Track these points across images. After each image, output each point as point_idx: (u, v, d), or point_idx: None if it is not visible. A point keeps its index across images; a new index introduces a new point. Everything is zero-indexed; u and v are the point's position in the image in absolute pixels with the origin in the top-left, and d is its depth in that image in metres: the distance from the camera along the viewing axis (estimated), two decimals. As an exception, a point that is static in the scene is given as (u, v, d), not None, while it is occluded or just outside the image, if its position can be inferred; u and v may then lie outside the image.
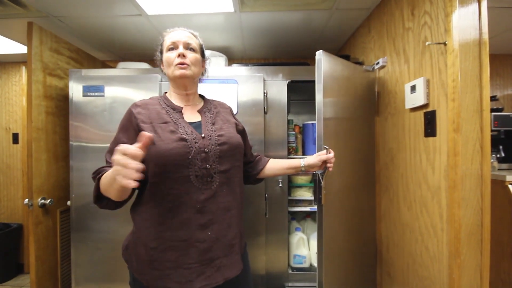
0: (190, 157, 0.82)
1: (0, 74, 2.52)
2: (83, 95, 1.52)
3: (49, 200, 1.54)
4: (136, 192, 0.89)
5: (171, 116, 0.89)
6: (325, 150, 1.09)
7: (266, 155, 1.53)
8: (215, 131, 0.91)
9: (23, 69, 2.47)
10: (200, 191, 0.83)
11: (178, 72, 0.89)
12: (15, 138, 2.49)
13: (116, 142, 0.87)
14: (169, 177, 0.81)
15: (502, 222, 1.57)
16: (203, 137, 0.87)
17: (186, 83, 0.93)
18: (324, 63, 1.23)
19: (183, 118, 0.91)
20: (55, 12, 1.62)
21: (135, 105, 0.92)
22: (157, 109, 0.91)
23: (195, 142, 0.84)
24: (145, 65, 1.82)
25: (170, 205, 0.82)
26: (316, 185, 1.18)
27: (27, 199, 1.47)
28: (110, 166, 0.75)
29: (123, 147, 0.61)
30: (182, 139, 0.83)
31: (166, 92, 1.01)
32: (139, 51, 2.29)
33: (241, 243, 0.95)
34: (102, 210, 1.50)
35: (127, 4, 1.53)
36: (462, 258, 0.97)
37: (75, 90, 1.53)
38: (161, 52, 0.96)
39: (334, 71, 1.29)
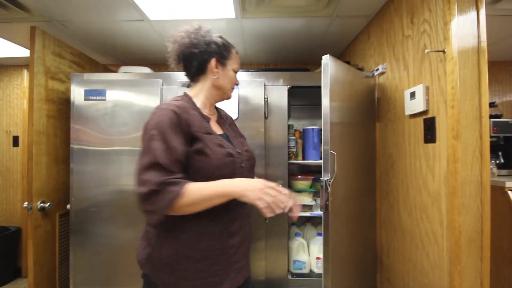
0: (235, 172, 0.86)
1: (2, 77, 2.53)
2: (85, 99, 1.53)
3: (48, 204, 1.54)
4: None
5: (207, 126, 0.88)
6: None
7: (266, 160, 1.54)
8: (242, 146, 0.96)
9: (25, 72, 2.48)
10: (238, 203, 0.83)
11: (231, 94, 1.00)
12: (15, 141, 2.49)
13: (168, 146, 0.76)
14: None
15: (502, 228, 1.57)
16: (239, 153, 0.91)
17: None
18: (331, 68, 1.22)
19: (212, 129, 0.90)
20: (58, 16, 1.64)
21: (178, 107, 0.82)
22: (196, 115, 0.86)
23: (237, 157, 0.88)
24: (146, 70, 1.83)
25: (211, 216, 0.82)
26: (322, 191, 1.17)
27: (26, 203, 1.46)
28: (177, 178, 0.74)
29: (281, 191, 0.76)
30: (230, 155, 0.85)
31: (186, 93, 0.95)
32: (141, 56, 2.31)
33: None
34: (101, 215, 1.51)
35: (129, 10, 1.55)
36: (463, 265, 0.96)
37: (77, 93, 1.54)
38: (223, 57, 0.93)
39: (339, 75, 1.29)
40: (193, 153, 0.81)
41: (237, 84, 1.00)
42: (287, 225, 1.57)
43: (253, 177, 0.95)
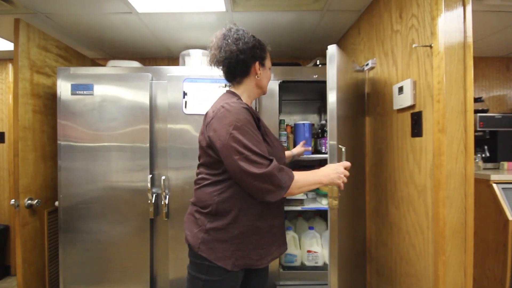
0: (285, 161, 1.04)
1: (-14, 72, 2.45)
2: (72, 94, 1.50)
3: (36, 201, 1.51)
4: (227, 185, 0.93)
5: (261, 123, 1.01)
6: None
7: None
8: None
9: (10, 66, 2.41)
10: None
11: (267, 90, 1.11)
12: (1, 137, 2.43)
13: (257, 139, 0.89)
14: None
15: (487, 220, 1.61)
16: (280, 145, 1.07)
17: None
18: (338, 59, 1.15)
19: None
20: (42, 8, 1.59)
21: (247, 105, 0.94)
22: (256, 113, 0.97)
23: (283, 151, 1.06)
24: (135, 64, 1.80)
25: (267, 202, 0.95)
26: (331, 188, 1.10)
27: (13, 200, 1.44)
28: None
29: (347, 165, 0.99)
30: (283, 148, 1.05)
31: (236, 94, 1.02)
32: (129, 50, 2.26)
33: None
34: (91, 211, 1.50)
35: (116, 2, 1.51)
36: (447, 255, 0.99)
37: (63, 88, 1.50)
38: (263, 59, 1.04)
39: (342, 67, 1.23)
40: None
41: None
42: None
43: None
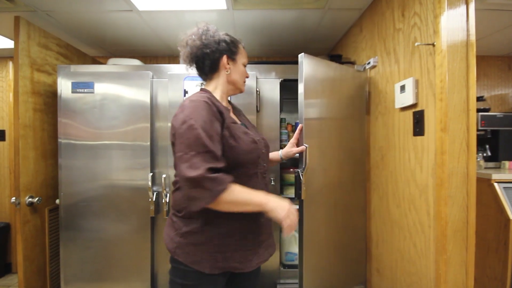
0: (259, 157, 0.95)
1: (-14, 69, 2.44)
2: (72, 92, 1.49)
3: (37, 199, 1.51)
4: None
5: (230, 116, 0.95)
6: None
7: (258, 153, 1.54)
8: (259, 135, 1.03)
9: (10, 64, 2.40)
10: (261, 186, 0.96)
11: (244, 88, 1.06)
12: (2, 135, 2.43)
13: (210, 136, 0.82)
14: (245, 173, 0.91)
15: (488, 219, 1.61)
16: (258, 140, 0.98)
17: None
18: (306, 65, 1.26)
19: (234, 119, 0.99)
20: (43, 6, 1.58)
21: (208, 98, 0.88)
22: (220, 107, 0.92)
23: (259, 144, 0.96)
24: (136, 62, 1.79)
25: None
26: (296, 181, 1.23)
27: (14, 198, 1.44)
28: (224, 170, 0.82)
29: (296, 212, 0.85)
30: (255, 141, 0.94)
31: (205, 89, 0.99)
32: (130, 47, 2.26)
33: None
34: (91, 209, 1.50)
35: (117, 0, 1.51)
36: (448, 254, 0.99)
37: (64, 86, 1.50)
38: (232, 53, 1.00)
39: (317, 72, 1.33)
40: (225, 140, 0.87)
41: (247, 77, 1.06)
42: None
43: (269, 163, 1.06)
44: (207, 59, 0.96)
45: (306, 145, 1.19)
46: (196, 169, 0.77)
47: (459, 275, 0.99)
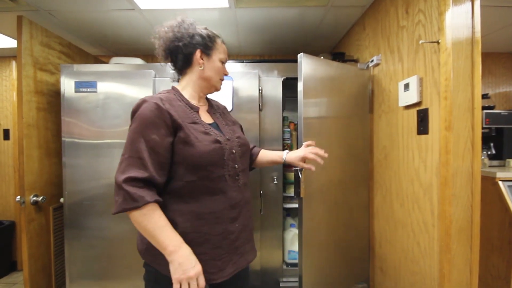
0: (225, 158, 0.87)
1: (-10, 69, 2.46)
2: (75, 91, 1.50)
3: (41, 197, 1.52)
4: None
5: (194, 116, 0.89)
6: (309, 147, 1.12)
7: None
8: (233, 133, 0.96)
9: (13, 63, 2.42)
10: (232, 189, 0.89)
11: (220, 86, 0.98)
12: (6, 134, 2.44)
13: (146, 142, 0.78)
14: (207, 176, 0.84)
15: (492, 218, 1.60)
16: (228, 139, 0.91)
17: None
18: (305, 65, 1.26)
19: (201, 118, 0.91)
20: (45, 5, 1.58)
21: (160, 99, 0.83)
22: (181, 106, 0.88)
23: (226, 144, 0.89)
24: (139, 61, 1.79)
25: (208, 201, 0.85)
26: (295, 179, 1.23)
27: (18, 196, 1.45)
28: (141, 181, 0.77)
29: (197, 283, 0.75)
30: (217, 141, 0.86)
31: (174, 86, 0.96)
32: (133, 46, 2.26)
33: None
34: (95, 208, 1.51)
35: (119, -2, 1.51)
36: (453, 253, 0.99)
37: (67, 85, 1.51)
38: (207, 48, 0.93)
39: (316, 72, 1.32)
40: (178, 143, 0.81)
41: (226, 75, 1.00)
42: (281, 217, 1.59)
43: (246, 164, 0.98)
44: (180, 53, 0.91)
45: (304, 142, 1.18)
46: (121, 173, 0.76)
47: (463, 275, 0.99)
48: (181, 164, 0.82)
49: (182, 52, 0.91)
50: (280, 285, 1.56)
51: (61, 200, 1.54)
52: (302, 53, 1.26)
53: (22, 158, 1.46)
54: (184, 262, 0.75)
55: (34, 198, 1.50)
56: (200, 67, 0.92)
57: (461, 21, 0.99)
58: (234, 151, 0.91)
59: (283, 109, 1.61)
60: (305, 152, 1.07)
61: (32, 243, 1.50)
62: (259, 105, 1.53)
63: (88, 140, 1.51)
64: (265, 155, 1.17)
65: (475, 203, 0.99)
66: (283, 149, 1.61)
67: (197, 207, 0.83)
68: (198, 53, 0.91)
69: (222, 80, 0.98)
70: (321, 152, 1.06)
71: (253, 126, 1.53)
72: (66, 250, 1.52)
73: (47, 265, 1.61)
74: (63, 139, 1.51)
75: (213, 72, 0.94)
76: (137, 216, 0.75)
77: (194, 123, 0.86)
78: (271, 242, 1.57)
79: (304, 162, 1.08)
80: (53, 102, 1.65)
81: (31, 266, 1.49)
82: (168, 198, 0.84)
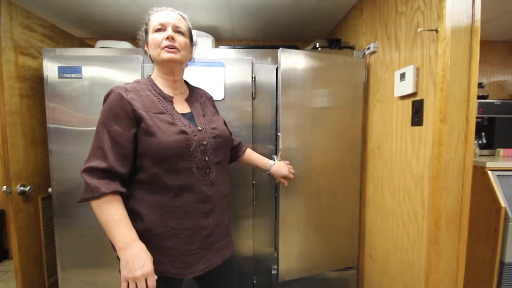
0: (191, 149, 0.83)
1: (-31, 51, 2.32)
2: (59, 77, 1.43)
3: (28, 187, 1.49)
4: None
5: (164, 105, 0.86)
6: (286, 165, 1.27)
7: (254, 141, 1.52)
8: (208, 124, 0.92)
9: (-6, 46, 2.29)
10: (201, 182, 0.86)
11: (167, 55, 0.85)
12: (-10, 120, 2.35)
13: (108, 133, 0.77)
14: (172, 168, 0.81)
15: (480, 206, 1.64)
16: (200, 130, 0.88)
17: (174, 68, 0.90)
18: (283, 60, 1.33)
19: (174, 108, 0.88)
20: (23, -17, 1.48)
21: (125, 89, 0.81)
22: (150, 96, 0.85)
23: (194, 135, 0.85)
24: (126, 44, 1.71)
25: (174, 194, 0.82)
26: (275, 187, 1.36)
27: (5, 187, 1.41)
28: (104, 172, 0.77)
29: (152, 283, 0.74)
30: (183, 132, 0.83)
31: (150, 75, 0.94)
32: (120, 29, 2.15)
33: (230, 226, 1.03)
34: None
35: (104, -23, 1.41)
36: (441, 244, 1.00)
37: (50, 70, 1.43)
38: (146, 32, 0.90)
39: (298, 65, 1.37)
40: (141, 134, 0.80)
41: (167, 39, 0.85)
42: (274, 205, 1.59)
43: (222, 156, 0.95)
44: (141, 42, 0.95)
45: (280, 134, 1.30)
46: (85, 163, 0.77)
47: (450, 265, 1.01)
48: (146, 156, 0.80)
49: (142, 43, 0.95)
50: (272, 272, 1.59)
51: (49, 190, 1.51)
52: (280, 48, 1.31)
53: (6, 147, 1.41)
54: (131, 260, 0.73)
55: (21, 188, 1.46)
56: (147, 53, 0.93)
57: (461, 9, 0.96)
58: (205, 142, 0.87)
59: (277, 98, 1.57)
60: (287, 172, 1.24)
61: (22, 233, 1.48)
62: (252, 93, 1.49)
63: (74, 127, 1.45)
64: (252, 157, 1.22)
65: (465, 195, 1.00)
66: (276, 139, 1.58)
67: (164, 200, 0.82)
68: (144, 44, 0.94)
69: (164, 49, 0.85)
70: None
71: (246, 114, 1.49)
72: (57, 240, 1.51)
73: (38, 255, 1.60)
74: (48, 125, 1.45)
75: (153, 49, 0.87)
76: (94, 207, 0.75)
77: (161, 113, 0.83)
78: (264, 229, 1.58)
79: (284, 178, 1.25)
80: (36, 88, 1.58)
81: (21, 256, 1.48)
82: (135, 188, 0.83)
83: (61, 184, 1.48)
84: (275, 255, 1.62)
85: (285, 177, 1.24)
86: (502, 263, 1.52)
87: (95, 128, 1.42)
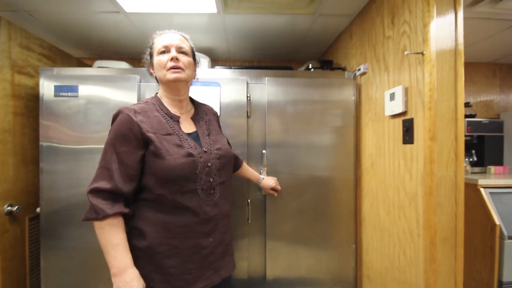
0: (197, 172, 0.85)
1: (-35, 70, 2.33)
2: (55, 95, 1.43)
3: (16, 207, 1.44)
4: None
5: (171, 126, 0.88)
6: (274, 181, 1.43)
7: (249, 159, 1.52)
8: (212, 144, 0.94)
9: (-9, 64, 2.31)
10: (205, 203, 0.87)
11: (172, 76, 0.88)
12: (-19, 138, 2.32)
13: (116, 154, 0.79)
14: (178, 190, 0.83)
15: (474, 224, 1.64)
16: (205, 152, 0.90)
17: (180, 87, 0.93)
18: (269, 87, 1.51)
19: (181, 128, 0.90)
20: (25, 6, 1.52)
21: (134, 111, 0.83)
22: (158, 117, 0.87)
23: (200, 157, 0.87)
24: (124, 65, 1.75)
25: (178, 215, 0.84)
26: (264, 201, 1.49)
27: (-9, 206, 1.37)
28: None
29: None
30: (190, 155, 0.85)
31: (157, 93, 0.97)
32: (118, 49, 2.20)
33: (232, 244, 1.04)
34: (74, 217, 1.44)
35: (103, 1, 1.46)
36: (438, 263, 0.99)
37: (46, 89, 1.44)
38: (151, 56, 0.94)
39: (280, 92, 1.53)
40: (149, 155, 0.82)
41: (172, 60, 0.88)
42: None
43: (226, 176, 0.96)
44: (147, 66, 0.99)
45: (264, 151, 1.49)
46: (91, 184, 0.79)
47: (448, 284, 1.00)
48: (152, 176, 0.82)
49: (147, 66, 0.99)
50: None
51: (38, 210, 1.46)
52: (267, 77, 1.50)
53: (-5, 165, 1.38)
54: (123, 287, 0.75)
55: (9, 208, 1.42)
56: (153, 74, 0.96)
57: (445, 33, 1.01)
58: (209, 164, 0.89)
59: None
60: (275, 184, 1.40)
61: (6, 256, 1.42)
62: (247, 112, 1.52)
63: (67, 145, 1.44)
64: (246, 171, 1.35)
65: (459, 212, 1.00)
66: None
67: (167, 219, 0.83)
68: (150, 67, 0.97)
69: (171, 68, 0.88)
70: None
71: (241, 132, 1.50)
72: (42, 262, 1.44)
73: (22, 278, 1.52)
74: (40, 143, 1.43)
75: (157, 70, 0.91)
76: (96, 228, 0.78)
77: (169, 134, 0.85)
78: (259, 250, 1.54)
79: (273, 190, 1.41)
80: (31, 107, 1.58)
81: (4, 279, 1.41)
82: (139, 206, 0.84)
83: (51, 204, 1.44)
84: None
85: (273, 189, 1.40)
86: (500, 282, 1.50)
87: (89, 146, 1.44)
